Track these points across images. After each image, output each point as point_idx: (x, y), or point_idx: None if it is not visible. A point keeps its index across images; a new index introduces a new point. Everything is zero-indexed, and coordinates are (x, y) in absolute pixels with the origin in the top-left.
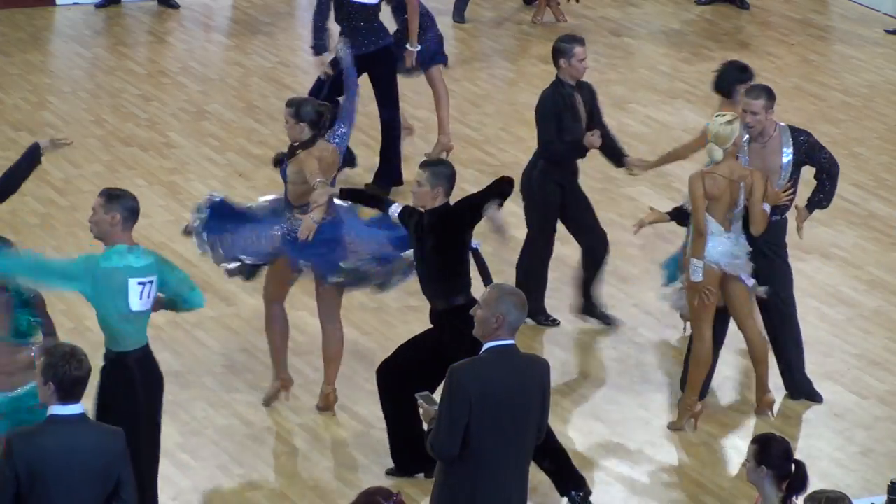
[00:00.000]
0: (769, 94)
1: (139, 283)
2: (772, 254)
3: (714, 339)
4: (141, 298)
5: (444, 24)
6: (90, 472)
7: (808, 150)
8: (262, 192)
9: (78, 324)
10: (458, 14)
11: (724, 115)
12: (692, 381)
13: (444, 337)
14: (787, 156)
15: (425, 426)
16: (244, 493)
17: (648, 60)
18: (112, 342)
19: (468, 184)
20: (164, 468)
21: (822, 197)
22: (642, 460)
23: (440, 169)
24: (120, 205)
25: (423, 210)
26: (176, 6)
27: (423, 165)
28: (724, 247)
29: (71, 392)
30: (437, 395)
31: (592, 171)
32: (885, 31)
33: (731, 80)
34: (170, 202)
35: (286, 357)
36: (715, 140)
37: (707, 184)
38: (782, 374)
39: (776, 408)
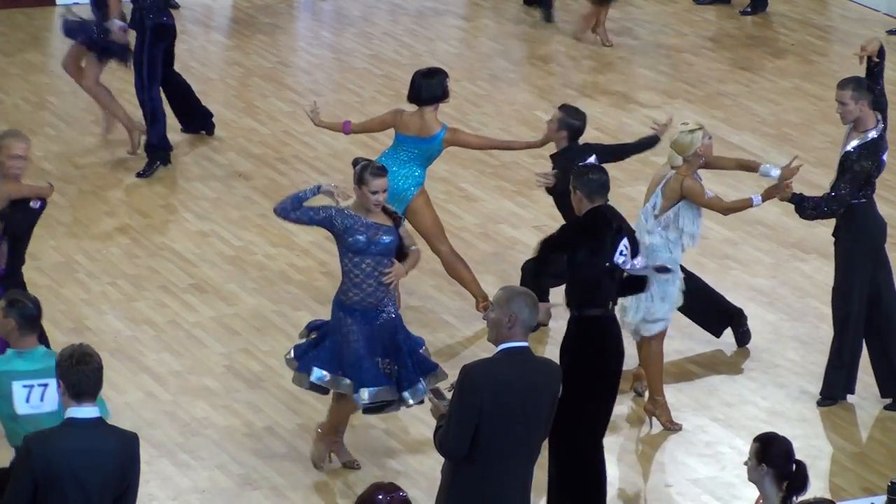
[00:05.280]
0: (857, 84)
1: (24, 387)
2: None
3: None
4: (28, 401)
5: (446, 24)
6: (106, 476)
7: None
8: (262, 192)
9: (77, 324)
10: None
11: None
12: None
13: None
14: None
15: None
16: (244, 493)
17: (648, 60)
18: (11, 437)
19: (468, 184)
20: (164, 468)
21: (809, 202)
22: (642, 460)
23: (583, 175)
24: (16, 312)
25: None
26: (176, 6)
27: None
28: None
29: (84, 391)
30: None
31: None
32: (886, 31)
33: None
34: (170, 202)
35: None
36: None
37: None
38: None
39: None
